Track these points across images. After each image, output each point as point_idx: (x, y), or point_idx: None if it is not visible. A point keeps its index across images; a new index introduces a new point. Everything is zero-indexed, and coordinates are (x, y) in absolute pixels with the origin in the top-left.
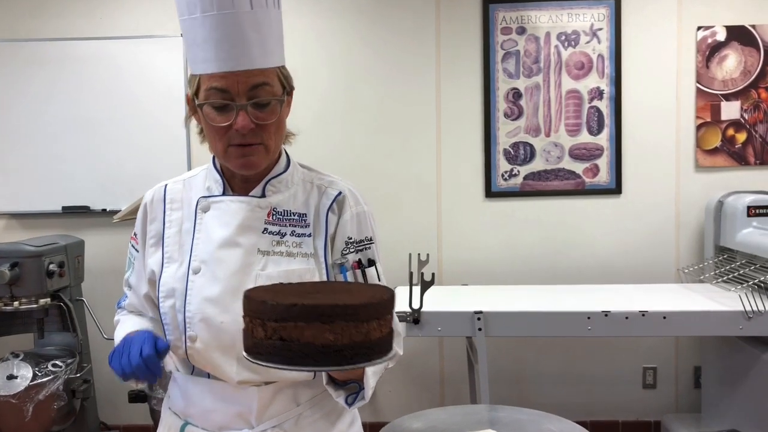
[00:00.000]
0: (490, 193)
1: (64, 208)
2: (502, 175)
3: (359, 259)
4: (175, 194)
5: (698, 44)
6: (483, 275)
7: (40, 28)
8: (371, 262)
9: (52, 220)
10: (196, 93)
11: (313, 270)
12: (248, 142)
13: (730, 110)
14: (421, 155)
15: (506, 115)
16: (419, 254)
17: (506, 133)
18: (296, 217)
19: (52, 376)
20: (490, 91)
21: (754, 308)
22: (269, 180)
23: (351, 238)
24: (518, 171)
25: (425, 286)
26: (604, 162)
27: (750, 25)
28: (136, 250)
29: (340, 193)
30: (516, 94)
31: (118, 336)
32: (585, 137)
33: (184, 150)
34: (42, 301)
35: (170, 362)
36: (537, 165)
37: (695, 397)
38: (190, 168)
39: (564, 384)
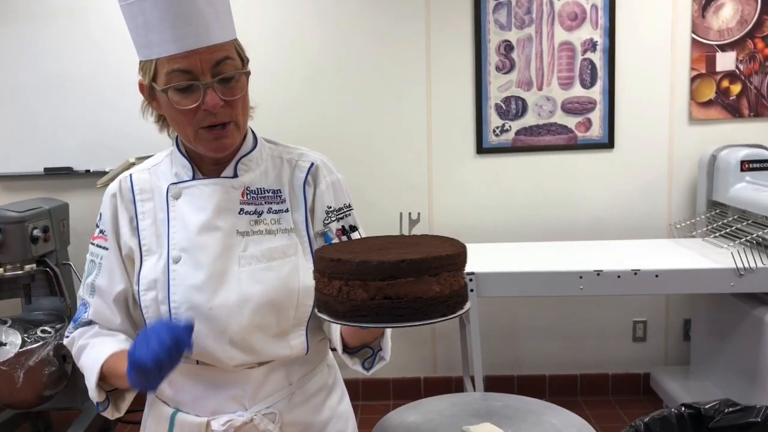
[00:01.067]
0: (482, 149)
1: (46, 169)
2: (494, 131)
3: (342, 227)
4: (144, 184)
5: None
6: (475, 233)
7: None
8: (353, 228)
9: (35, 182)
10: (153, 79)
11: (296, 244)
12: (219, 121)
13: (726, 61)
14: (411, 111)
15: (498, 69)
16: (410, 213)
17: (498, 87)
18: (271, 194)
19: (41, 342)
20: (481, 43)
21: (746, 265)
22: (240, 159)
23: (330, 207)
24: (510, 126)
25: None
26: (596, 116)
27: None
28: (104, 248)
29: (312, 164)
30: (508, 47)
31: (94, 362)
32: (578, 90)
33: None
34: (27, 267)
35: None
36: (529, 120)
37: (684, 350)
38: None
39: (555, 339)
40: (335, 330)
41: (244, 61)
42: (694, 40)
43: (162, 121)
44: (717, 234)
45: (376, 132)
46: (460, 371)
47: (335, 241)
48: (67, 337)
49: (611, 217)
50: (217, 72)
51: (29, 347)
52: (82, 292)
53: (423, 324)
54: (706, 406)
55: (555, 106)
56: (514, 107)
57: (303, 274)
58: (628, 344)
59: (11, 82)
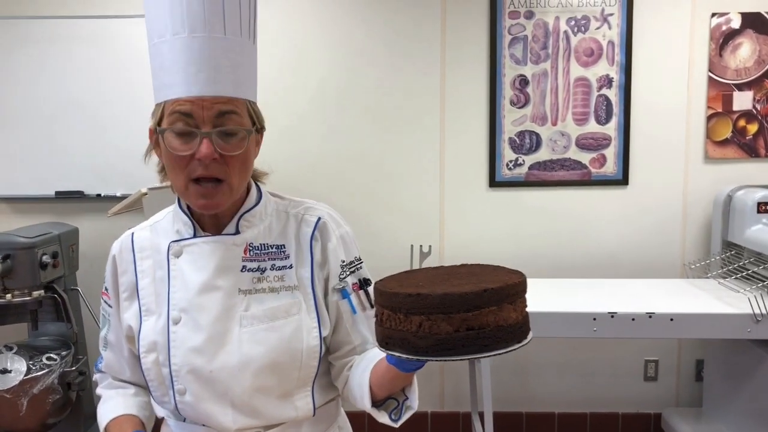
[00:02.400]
0: (494, 182)
1: (57, 193)
2: (507, 165)
3: (357, 281)
4: (144, 242)
5: (712, 31)
6: None
7: (30, 5)
8: (367, 281)
9: (45, 205)
10: (159, 122)
11: (299, 302)
12: (210, 174)
13: (742, 100)
14: (424, 143)
15: (512, 103)
16: (421, 246)
17: (512, 121)
18: (274, 250)
19: (46, 370)
20: (496, 77)
21: (764, 311)
22: (242, 215)
23: (344, 261)
24: (523, 160)
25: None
26: (611, 152)
27: (766, 12)
28: (109, 305)
29: (319, 218)
30: (523, 81)
31: (102, 418)
32: (593, 126)
33: None
34: (35, 293)
35: (158, 408)
36: (543, 154)
37: (696, 391)
38: None
39: (565, 375)
40: (362, 384)
41: (255, 125)
42: (710, 79)
43: (164, 171)
44: (732, 276)
45: (388, 163)
46: (467, 406)
47: (353, 296)
48: (94, 374)
49: (624, 254)
50: (219, 123)
51: (34, 375)
52: (99, 342)
53: (506, 352)
54: None
55: (569, 142)
56: (528, 141)
57: (307, 334)
58: (640, 383)
59: (27, 103)
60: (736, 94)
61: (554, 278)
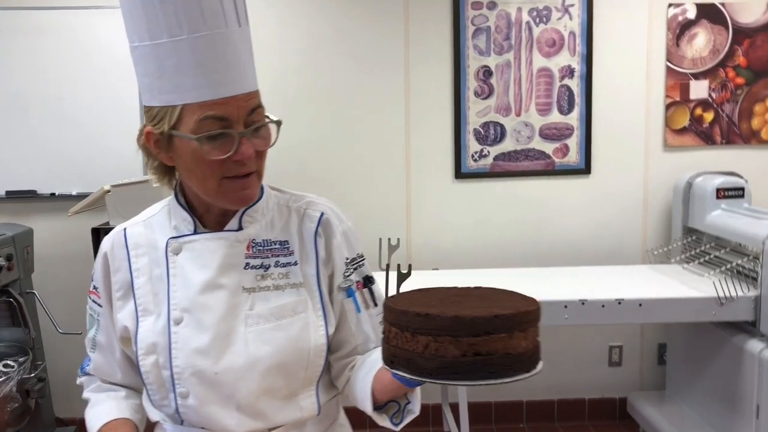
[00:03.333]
0: (460, 174)
1: (8, 192)
2: (472, 156)
3: (361, 279)
4: (138, 238)
5: (669, 22)
6: (454, 259)
7: None
8: (370, 279)
9: None
10: (174, 126)
11: (305, 300)
12: (248, 171)
13: (699, 89)
14: (390, 136)
15: (477, 94)
16: (389, 239)
17: (476, 112)
18: (278, 246)
19: (4, 378)
20: (460, 68)
21: (728, 294)
22: (245, 210)
23: (348, 258)
24: (488, 151)
25: (402, 277)
26: (574, 142)
27: (720, 3)
28: (98, 305)
29: (322, 214)
30: (486, 72)
31: (93, 424)
32: (555, 116)
33: (138, 130)
34: None
35: (155, 412)
36: (507, 145)
37: (659, 375)
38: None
39: None
40: (365, 388)
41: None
42: (668, 68)
43: (164, 172)
44: (694, 261)
45: (354, 157)
46: (437, 398)
47: (357, 294)
48: (78, 377)
49: (587, 242)
50: (251, 121)
51: None
52: (86, 343)
53: (512, 381)
54: None
55: (533, 132)
56: (492, 133)
57: (313, 332)
58: (605, 369)
59: None
60: (693, 83)
61: (521, 267)
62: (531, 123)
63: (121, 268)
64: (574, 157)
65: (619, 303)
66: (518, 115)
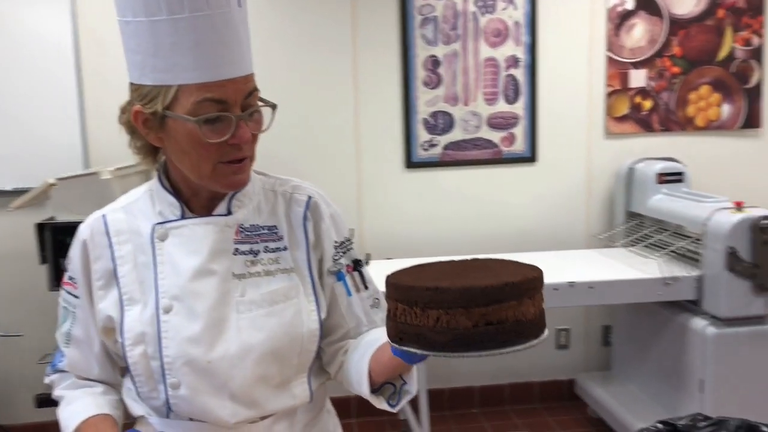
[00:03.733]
0: (410, 163)
1: None
2: (422, 145)
3: (350, 262)
4: (120, 224)
5: (609, 12)
6: (406, 248)
7: None
8: (359, 263)
9: None
10: (168, 107)
11: (297, 286)
12: (243, 155)
13: (638, 78)
14: (339, 126)
15: (425, 84)
16: None
17: (425, 102)
18: (266, 231)
19: None
20: (408, 58)
21: (672, 275)
22: (234, 194)
23: (337, 242)
24: (438, 141)
25: None
26: (520, 131)
27: None
28: (74, 296)
29: (310, 197)
30: (434, 62)
31: (69, 422)
32: (502, 106)
33: (77, 120)
34: None
35: (139, 406)
36: (456, 135)
37: (605, 356)
38: (85, 141)
39: None
40: (360, 371)
41: None
42: (609, 58)
43: (148, 153)
44: (638, 245)
45: (303, 147)
46: None
47: (348, 277)
48: (47, 376)
49: (535, 228)
50: (247, 104)
51: None
52: (58, 338)
53: (524, 348)
54: (682, 422)
55: (481, 121)
56: (441, 122)
57: (306, 318)
58: (553, 352)
59: None
60: (632, 72)
61: (471, 255)
62: (479, 112)
63: (102, 256)
64: (520, 146)
65: (571, 286)
66: (466, 104)
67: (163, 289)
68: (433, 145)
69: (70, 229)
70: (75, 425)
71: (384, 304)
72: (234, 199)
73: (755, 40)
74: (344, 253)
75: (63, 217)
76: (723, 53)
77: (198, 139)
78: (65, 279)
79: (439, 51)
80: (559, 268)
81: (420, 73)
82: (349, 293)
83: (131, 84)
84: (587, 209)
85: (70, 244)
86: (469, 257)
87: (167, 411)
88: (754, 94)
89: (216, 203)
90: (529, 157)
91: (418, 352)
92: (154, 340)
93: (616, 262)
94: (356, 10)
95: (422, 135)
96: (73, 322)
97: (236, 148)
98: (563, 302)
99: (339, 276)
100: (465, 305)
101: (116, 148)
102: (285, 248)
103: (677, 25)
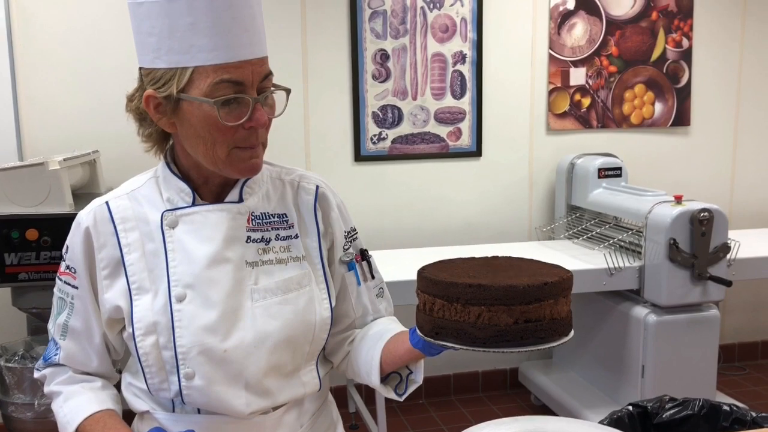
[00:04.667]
0: (360, 156)
1: None
2: (371, 139)
3: (359, 251)
4: (125, 211)
5: (551, 11)
6: None
7: None
8: (365, 252)
9: None
10: (183, 90)
11: (309, 274)
12: (258, 140)
13: (577, 76)
14: (288, 119)
15: (374, 77)
16: None
17: (374, 95)
18: (277, 219)
19: None
20: (357, 51)
21: (616, 265)
22: (245, 181)
23: (345, 231)
24: (387, 134)
25: None
26: (466, 126)
27: None
28: (73, 287)
29: (318, 187)
30: (384, 56)
31: (72, 418)
32: (449, 101)
33: (11, 108)
34: None
35: (143, 402)
36: (405, 129)
37: None
38: (19, 134)
39: None
40: (371, 362)
41: None
42: (551, 56)
43: (158, 140)
44: (579, 237)
45: None
46: (341, 380)
47: (358, 266)
48: (38, 370)
49: (480, 221)
50: (263, 87)
51: None
52: (52, 330)
53: (557, 345)
54: (651, 404)
55: (428, 116)
56: (390, 116)
57: (319, 305)
58: None
59: None
60: (572, 71)
61: (417, 248)
62: (426, 107)
63: (108, 243)
64: (466, 141)
65: None
66: (414, 98)
67: (175, 277)
68: (382, 139)
69: (14, 221)
70: (79, 421)
71: (387, 293)
72: (245, 186)
73: (685, 42)
74: (352, 242)
75: (7, 209)
76: (656, 54)
77: (214, 122)
78: (62, 269)
79: (388, 45)
80: None
81: (369, 67)
82: (359, 282)
83: (141, 69)
84: (530, 203)
85: (12, 237)
86: (467, 252)
87: (174, 405)
88: (684, 94)
89: (226, 190)
90: (475, 152)
91: (457, 346)
92: (167, 329)
93: (560, 253)
94: (306, 2)
95: (371, 128)
96: (70, 313)
97: (252, 132)
98: None
99: (351, 265)
100: (507, 303)
101: (52, 136)
102: (296, 236)
103: (614, 25)
